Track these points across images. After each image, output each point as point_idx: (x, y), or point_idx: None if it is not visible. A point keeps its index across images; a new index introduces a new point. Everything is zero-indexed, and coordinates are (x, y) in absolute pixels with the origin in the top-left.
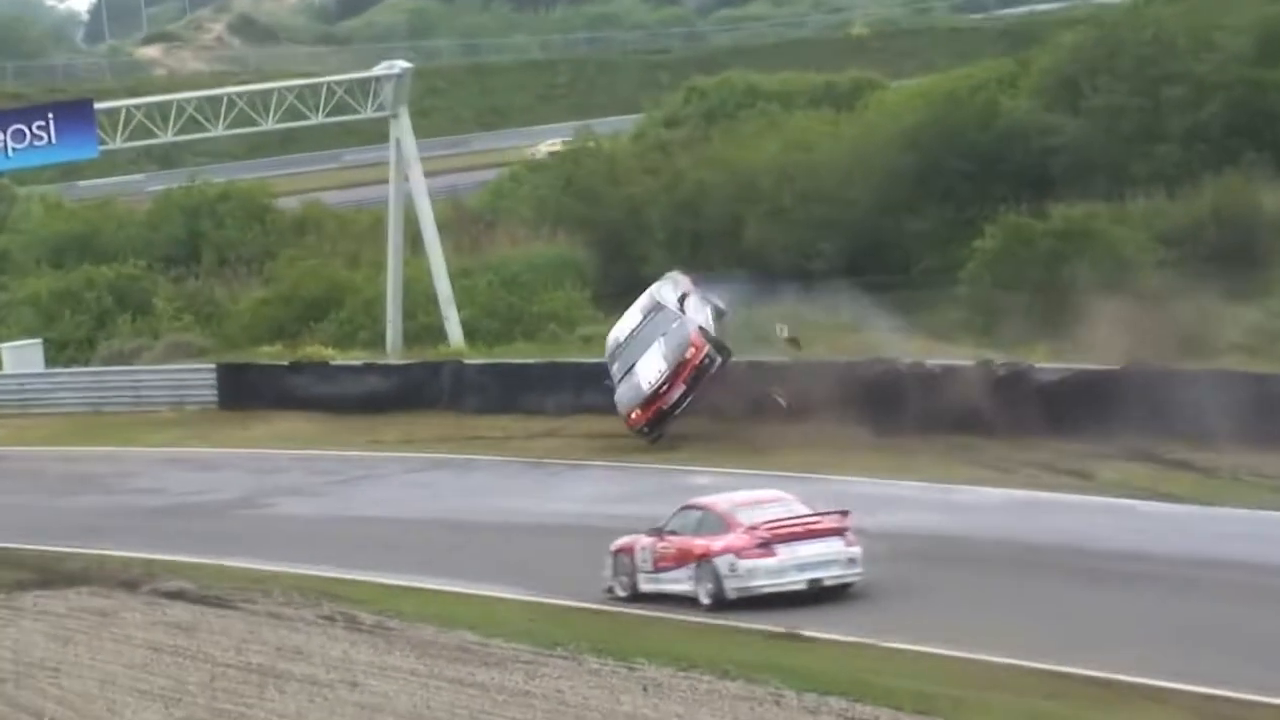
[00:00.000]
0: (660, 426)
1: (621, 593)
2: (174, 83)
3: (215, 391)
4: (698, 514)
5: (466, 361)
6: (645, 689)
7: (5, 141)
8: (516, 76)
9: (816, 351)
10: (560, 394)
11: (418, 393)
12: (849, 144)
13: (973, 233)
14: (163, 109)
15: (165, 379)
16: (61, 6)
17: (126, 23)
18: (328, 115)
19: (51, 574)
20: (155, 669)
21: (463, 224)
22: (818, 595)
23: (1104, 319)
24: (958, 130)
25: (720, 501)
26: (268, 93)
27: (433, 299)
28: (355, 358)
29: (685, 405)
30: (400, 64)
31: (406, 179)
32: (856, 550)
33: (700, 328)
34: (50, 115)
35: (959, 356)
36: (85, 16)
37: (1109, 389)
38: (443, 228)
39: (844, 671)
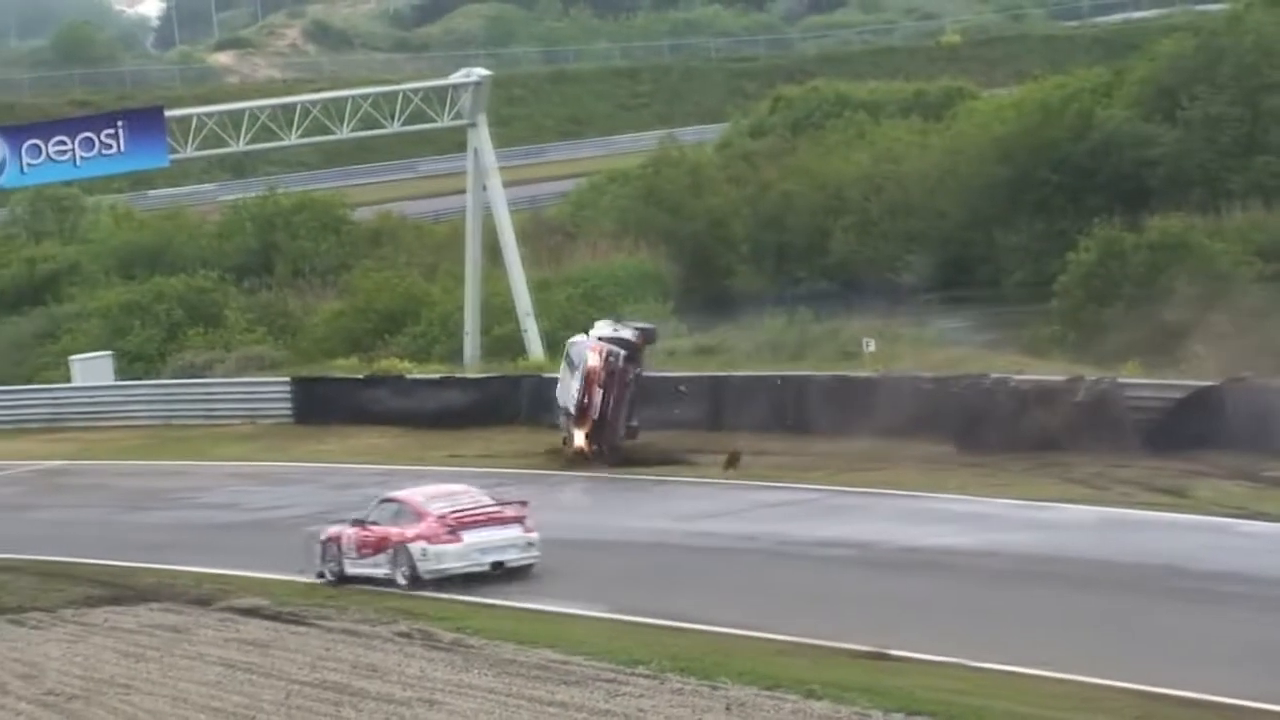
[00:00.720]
0: (605, 438)
1: (330, 577)
2: (246, 90)
3: (289, 405)
4: (394, 506)
5: (546, 375)
6: (729, 708)
7: (74, 150)
8: (598, 84)
9: (904, 366)
10: (644, 408)
11: (496, 407)
12: (939, 155)
13: (1066, 246)
14: (235, 117)
15: (238, 392)
16: (131, 12)
17: (197, 28)
18: (404, 124)
19: (122, 590)
20: (229, 687)
21: (542, 235)
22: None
23: (1200, 334)
24: (1051, 141)
25: (414, 495)
26: (342, 101)
27: (511, 311)
28: (432, 371)
29: (623, 411)
30: (479, 71)
31: (485, 189)
32: (534, 536)
33: (599, 337)
34: (120, 123)
35: (1051, 372)
36: (155, 22)
37: (1205, 405)
38: (522, 238)
39: (932, 692)
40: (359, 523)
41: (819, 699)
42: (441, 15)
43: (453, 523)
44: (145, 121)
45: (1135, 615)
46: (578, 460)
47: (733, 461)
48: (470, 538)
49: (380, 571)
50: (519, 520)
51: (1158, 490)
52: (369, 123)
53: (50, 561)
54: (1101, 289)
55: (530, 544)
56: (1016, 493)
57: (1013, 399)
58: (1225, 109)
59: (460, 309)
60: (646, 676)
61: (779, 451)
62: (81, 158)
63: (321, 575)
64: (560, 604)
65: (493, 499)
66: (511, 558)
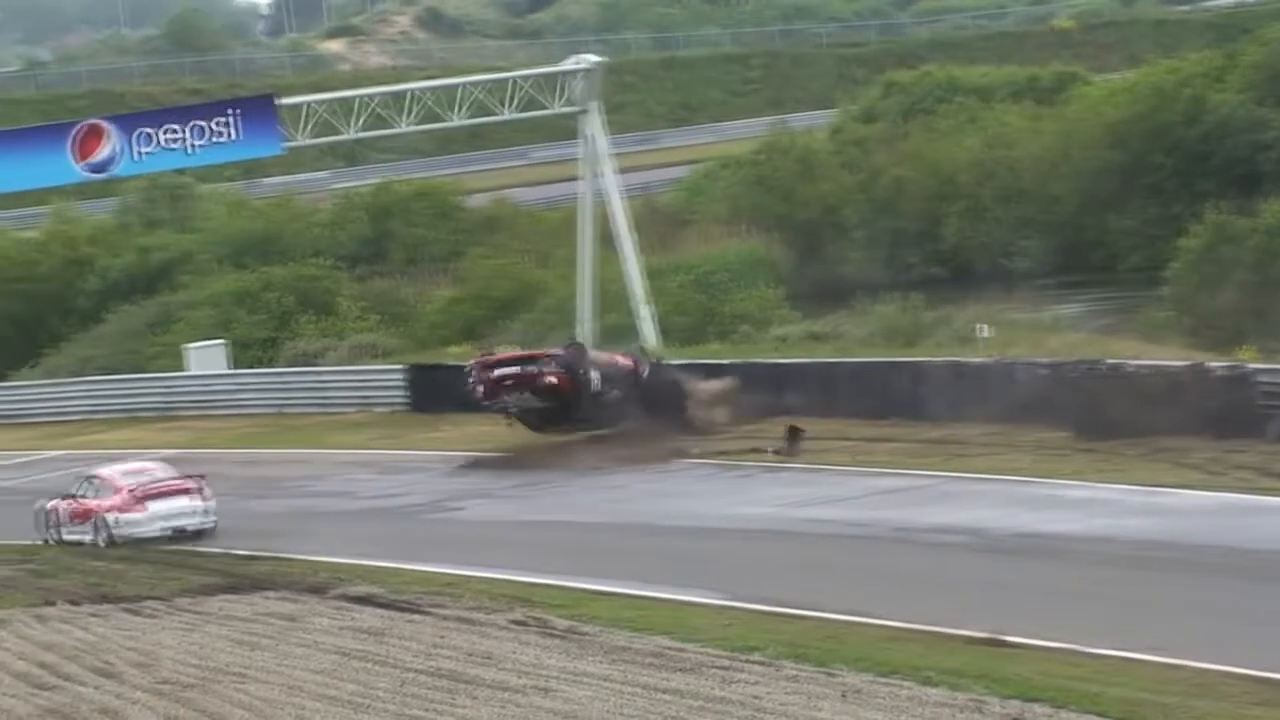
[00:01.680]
0: (494, 396)
1: (52, 540)
2: (358, 78)
3: (404, 393)
4: (96, 482)
5: (662, 361)
6: (844, 695)
7: (187, 138)
8: (709, 70)
9: (1019, 352)
10: (756, 394)
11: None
12: (1051, 140)
13: (1179, 230)
14: (347, 105)
15: (352, 380)
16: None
17: (308, 16)
18: (516, 111)
19: (237, 578)
20: (343, 675)
21: (655, 221)
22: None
23: None
24: (1164, 125)
25: (112, 471)
26: (454, 88)
27: (624, 298)
28: None
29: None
30: (590, 58)
31: (598, 175)
32: (211, 504)
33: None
34: (232, 111)
35: (1165, 357)
36: (266, 10)
37: None
38: (635, 225)
39: (1048, 678)
40: (70, 496)
41: (934, 685)
42: (553, 2)
43: (140, 495)
44: (258, 109)
45: (1253, 601)
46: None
47: (794, 438)
48: (154, 507)
49: (87, 538)
50: (197, 491)
51: (1276, 476)
52: (481, 110)
53: (165, 550)
54: (1214, 274)
55: (206, 511)
56: (1133, 478)
57: (1128, 384)
58: None
59: (574, 296)
60: (761, 663)
61: (892, 438)
62: (194, 146)
63: (45, 540)
64: (674, 591)
65: (178, 474)
66: (191, 523)
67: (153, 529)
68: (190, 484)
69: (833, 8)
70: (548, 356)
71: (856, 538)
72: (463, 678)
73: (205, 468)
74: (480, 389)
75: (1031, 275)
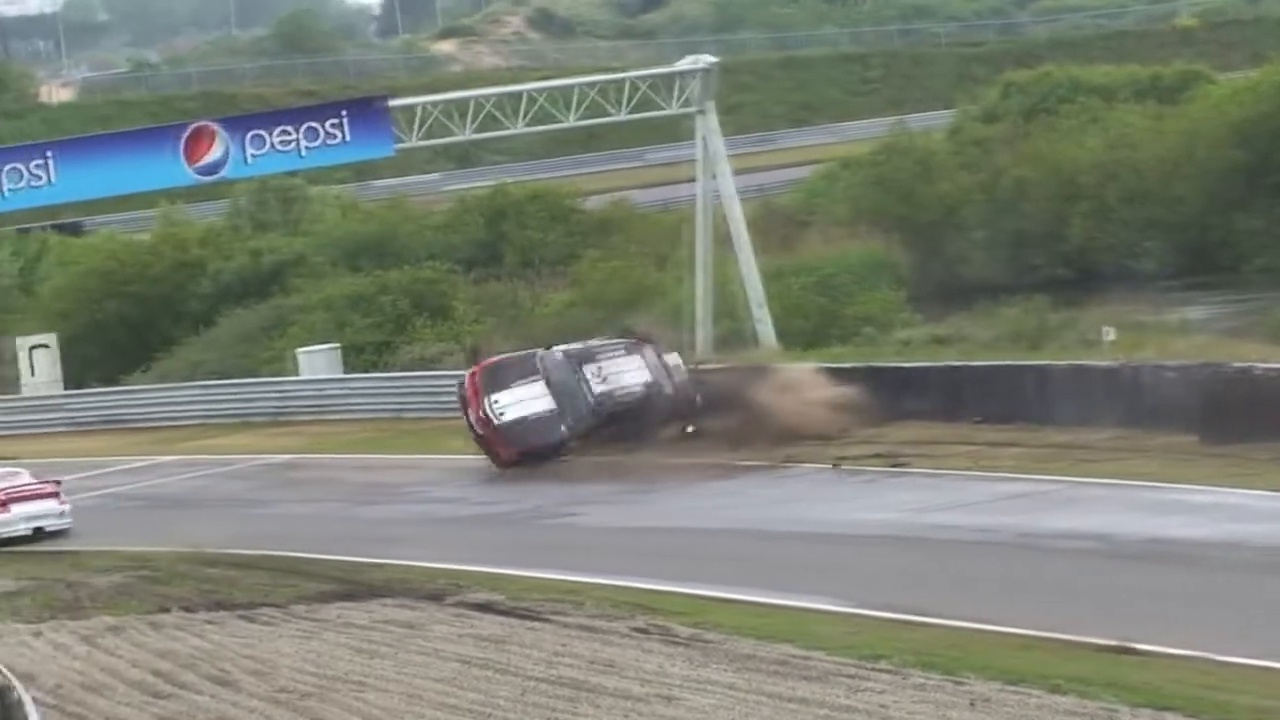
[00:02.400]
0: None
1: None
2: (470, 78)
3: None
4: None
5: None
6: (972, 704)
7: (298, 140)
8: (827, 70)
9: (1146, 355)
10: (878, 398)
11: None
12: (1175, 140)
13: None
14: (460, 106)
15: None
16: (352, 1)
17: (419, 17)
18: (631, 112)
19: (354, 585)
20: (464, 683)
21: (772, 223)
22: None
23: None
24: None
25: None
26: (568, 89)
27: (742, 301)
28: None
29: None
30: (706, 58)
31: (714, 177)
32: (67, 508)
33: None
34: (344, 113)
35: None
36: (377, 11)
37: None
38: (752, 227)
39: (1180, 686)
40: None
41: (1063, 694)
42: (666, 2)
43: (3, 498)
44: (370, 110)
45: None
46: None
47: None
48: (17, 509)
49: None
50: (55, 495)
51: None
52: (595, 111)
53: (281, 557)
54: None
55: (62, 514)
56: (1263, 483)
57: (1256, 387)
58: None
59: (690, 299)
60: (888, 672)
61: (1017, 443)
62: (306, 148)
63: None
64: (797, 598)
65: (36, 480)
66: (49, 524)
67: (17, 528)
68: (50, 489)
69: (952, 7)
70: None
71: (981, 544)
72: (585, 686)
73: (321, 473)
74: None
75: (1157, 277)
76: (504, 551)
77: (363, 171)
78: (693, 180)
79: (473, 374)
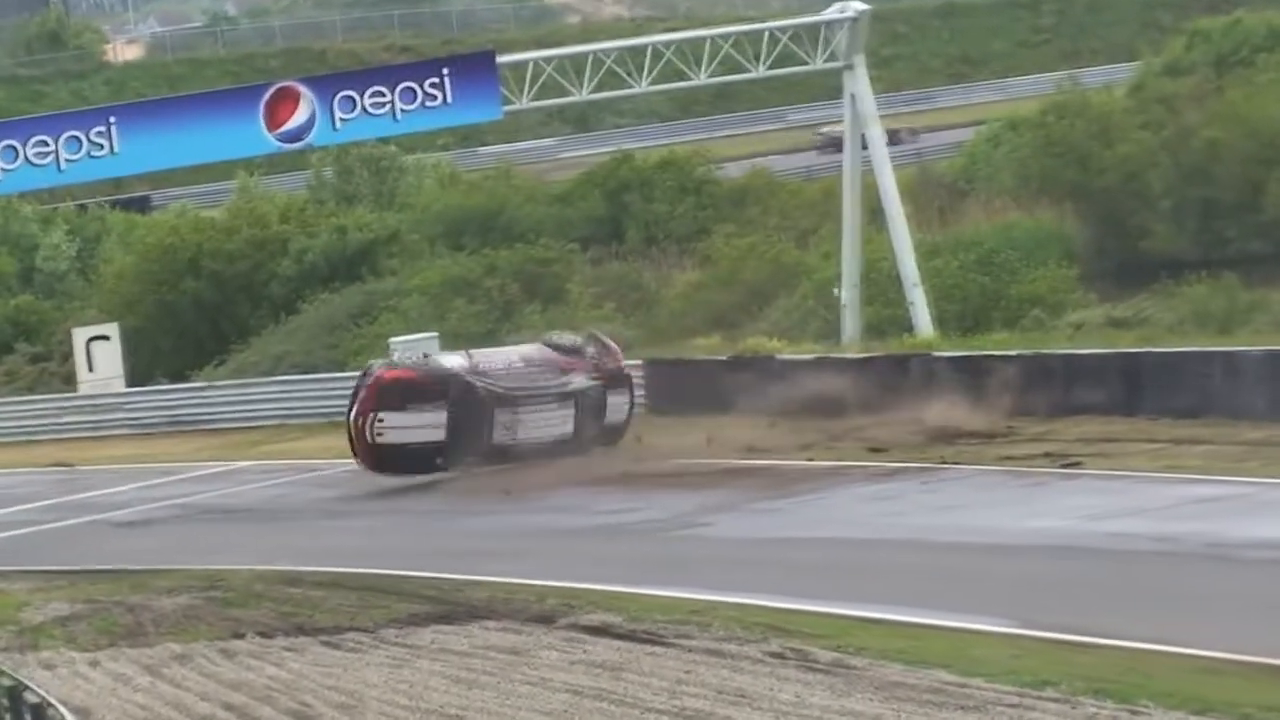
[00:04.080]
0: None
1: None
2: (589, 31)
3: (643, 391)
4: None
5: (937, 354)
6: None
7: (393, 102)
8: (992, 19)
9: None
10: (1048, 390)
11: (880, 391)
12: None
13: None
14: (577, 62)
15: None
16: None
17: None
18: (770, 68)
19: (451, 605)
20: (575, 716)
21: (930, 193)
22: None
23: None
24: None
25: None
26: (700, 42)
27: (895, 281)
28: (806, 351)
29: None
30: (855, 5)
31: (864, 141)
32: None
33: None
34: (446, 71)
35: None
36: None
37: None
38: (905, 197)
39: None
40: None
41: None
42: None
43: None
44: (475, 68)
45: None
46: None
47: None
48: None
49: None
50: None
51: None
52: (730, 67)
53: (369, 574)
54: None
55: None
56: None
57: None
58: None
59: (837, 279)
60: (1056, 700)
61: (1205, 439)
62: (402, 111)
63: None
64: (953, 617)
65: None
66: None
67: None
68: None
69: None
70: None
71: (1163, 554)
72: (713, 718)
73: (415, 479)
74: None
75: None
76: (622, 567)
77: (466, 137)
78: (839, 145)
79: (376, 380)
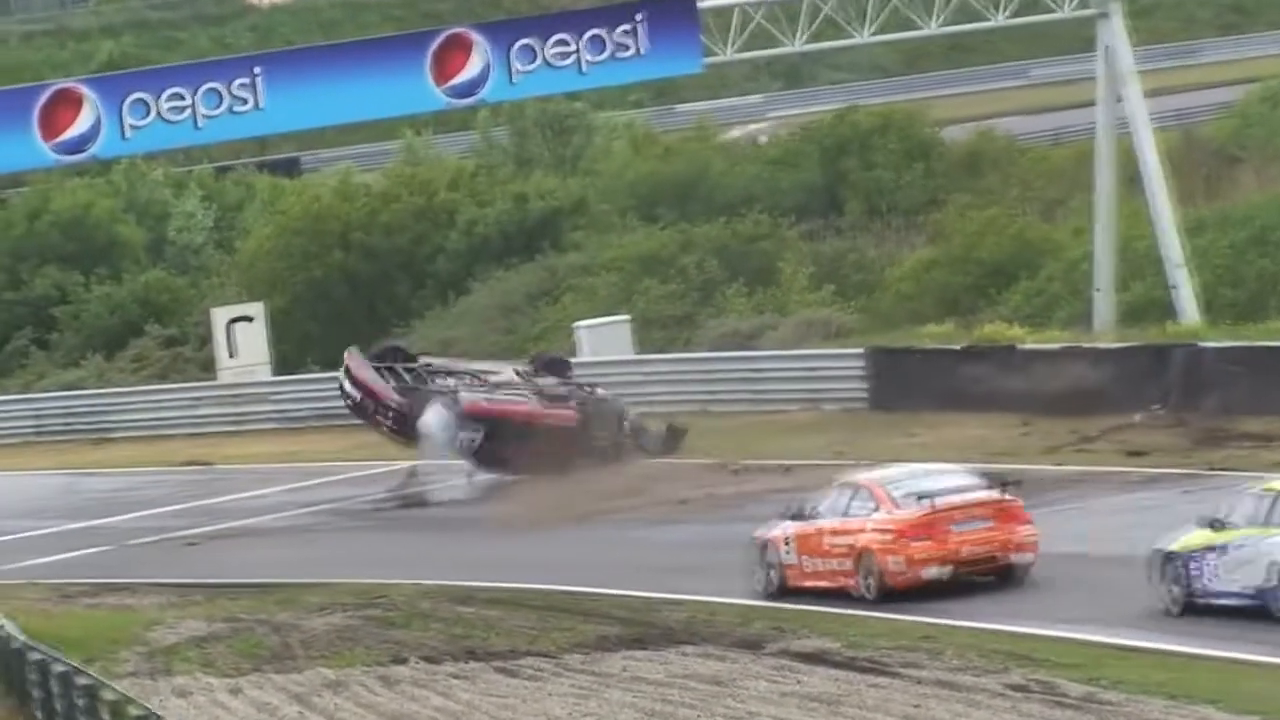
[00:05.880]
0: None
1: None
2: None
3: (863, 385)
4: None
5: (1204, 344)
6: None
7: (579, 53)
8: None
9: None
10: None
11: (1138, 386)
12: None
13: None
14: (789, 8)
15: (796, 369)
16: None
17: None
18: (1012, 16)
19: (646, 628)
20: None
21: (1194, 160)
22: None
23: None
24: None
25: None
26: None
27: (1157, 261)
28: (1053, 340)
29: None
30: None
31: (1120, 101)
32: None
33: None
34: (640, 17)
35: None
36: None
37: None
38: (1168, 165)
39: None
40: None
41: None
42: None
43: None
44: (673, 14)
45: None
46: None
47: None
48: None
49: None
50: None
51: None
52: (966, 14)
53: (552, 591)
54: None
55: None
56: None
57: None
58: None
59: (1089, 258)
60: None
61: None
62: (589, 62)
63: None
64: (1220, 646)
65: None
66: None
67: None
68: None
69: None
70: None
71: None
72: None
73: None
74: None
75: None
76: None
77: (661, 93)
78: (1092, 104)
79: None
